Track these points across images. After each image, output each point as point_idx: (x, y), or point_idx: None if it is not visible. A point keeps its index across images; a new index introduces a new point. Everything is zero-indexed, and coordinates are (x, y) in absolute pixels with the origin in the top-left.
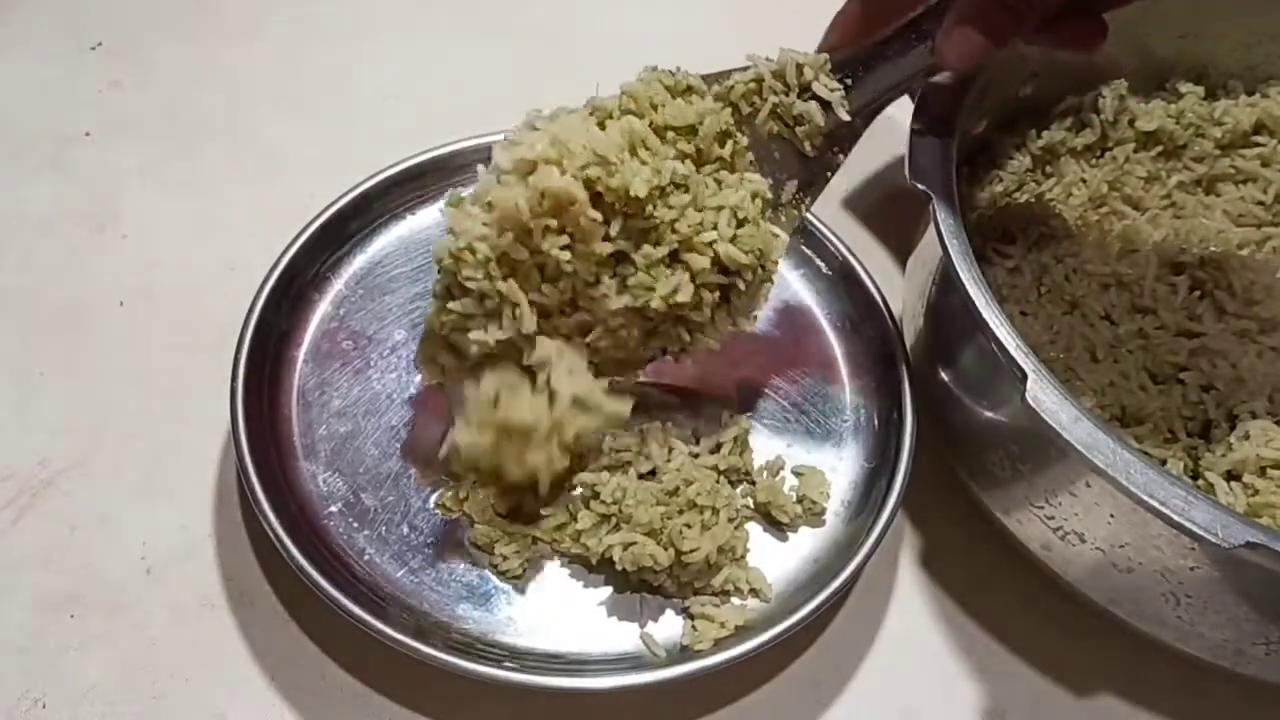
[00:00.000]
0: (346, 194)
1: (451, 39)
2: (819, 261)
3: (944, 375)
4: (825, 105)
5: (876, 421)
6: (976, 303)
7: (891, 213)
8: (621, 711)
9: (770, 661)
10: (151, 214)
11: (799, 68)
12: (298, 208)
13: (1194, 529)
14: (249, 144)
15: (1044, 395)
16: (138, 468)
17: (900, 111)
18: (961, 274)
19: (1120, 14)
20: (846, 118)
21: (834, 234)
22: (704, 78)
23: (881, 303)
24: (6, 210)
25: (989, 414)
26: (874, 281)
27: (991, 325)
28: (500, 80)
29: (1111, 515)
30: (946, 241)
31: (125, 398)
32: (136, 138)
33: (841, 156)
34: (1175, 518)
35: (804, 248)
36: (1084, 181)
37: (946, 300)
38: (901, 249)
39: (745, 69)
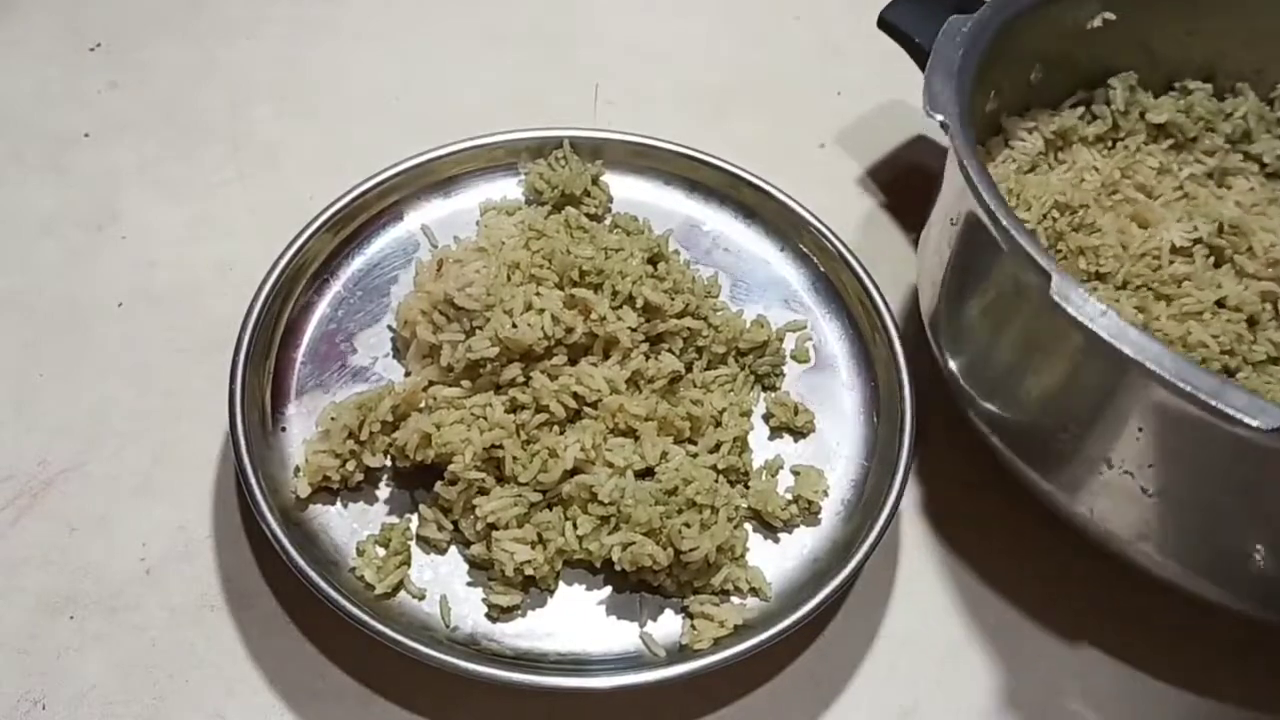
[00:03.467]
0: (345, 195)
1: (450, 40)
2: (816, 259)
3: (972, 323)
4: None
5: (876, 421)
6: (996, 212)
7: (905, 193)
8: (621, 711)
9: (770, 661)
10: (150, 214)
11: None
12: (296, 208)
13: (1231, 411)
14: (248, 145)
15: (1071, 292)
16: (137, 469)
17: (912, 95)
18: (981, 190)
19: (1124, 10)
20: None
21: (831, 231)
22: None
23: (882, 302)
24: (6, 211)
25: (1018, 344)
26: (873, 281)
27: (1013, 231)
28: (499, 81)
29: (1140, 429)
30: (965, 163)
31: (124, 398)
32: (135, 138)
33: None
34: (1211, 401)
35: (801, 245)
36: (1095, 169)
37: (966, 235)
38: (914, 227)
39: None
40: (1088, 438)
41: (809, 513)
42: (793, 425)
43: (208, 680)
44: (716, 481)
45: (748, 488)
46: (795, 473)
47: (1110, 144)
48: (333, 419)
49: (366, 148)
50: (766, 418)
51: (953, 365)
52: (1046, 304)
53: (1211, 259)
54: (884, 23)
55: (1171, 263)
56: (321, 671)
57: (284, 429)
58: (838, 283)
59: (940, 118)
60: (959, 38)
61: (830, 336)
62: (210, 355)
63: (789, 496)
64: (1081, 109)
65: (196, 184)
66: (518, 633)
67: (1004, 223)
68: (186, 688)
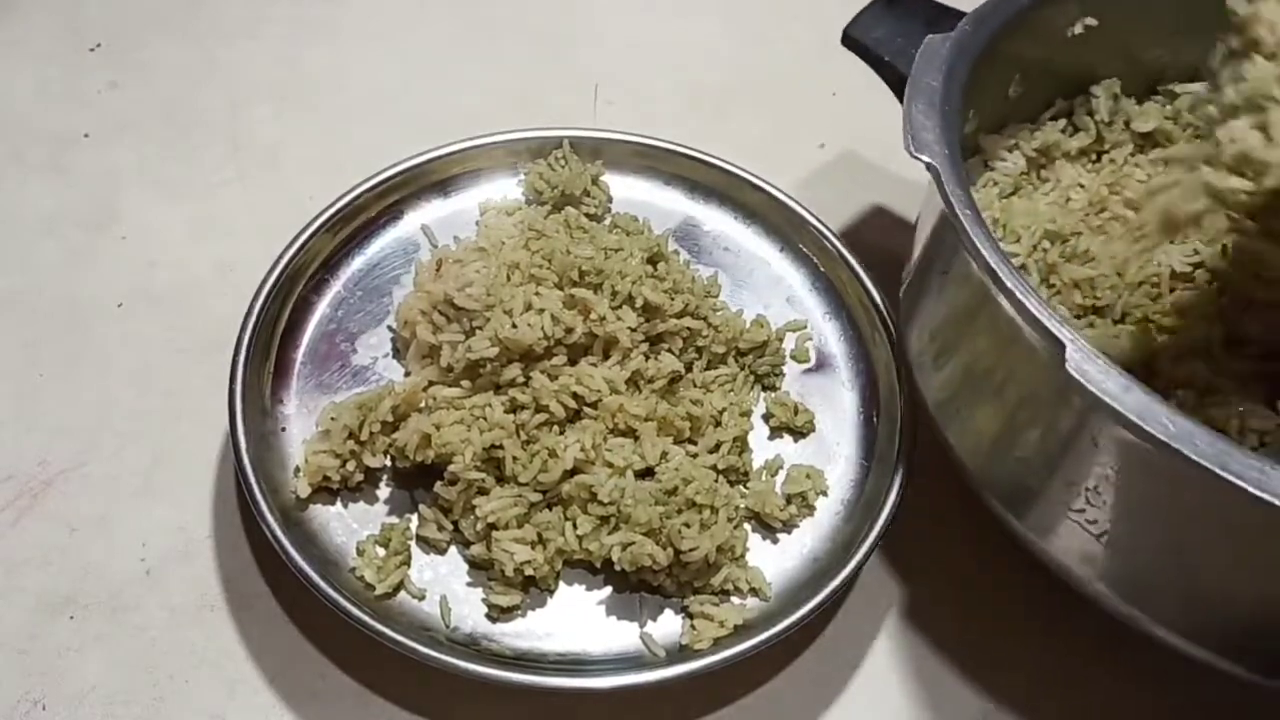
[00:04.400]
0: (345, 195)
1: (450, 40)
2: (815, 259)
3: (957, 380)
4: None
5: (876, 421)
6: (1000, 274)
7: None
8: (621, 711)
9: (769, 661)
10: (150, 215)
11: None
12: (296, 209)
13: (1275, 501)
14: (247, 145)
15: (1088, 365)
16: (137, 469)
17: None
18: (980, 246)
19: (1107, 15)
20: None
21: (831, 230)
22: None
23: (881, 302)
24: (6, 211)
25: (1019, 410)
26: (873, 281)
27: (1019, 294)
28: (499, 81)
29: (1167, 500)
30: (959, 212)
31: (124, 399)
32: (135, 138)
33: None
34: (1253, 490)
35: (801, 246)
36: (1082, 186)
37: (958, 290)
38: (912, 226)
39: None
40: (1102, 519)
41: (805, 505)
42: (792, 425)
43: (208, 680)
44: (716, 481)
45: (748, 488)
46: (795, 472)
47: (1095, 157)
48: (333, 419)
49: (366, 148)
50: (766, 417)
51: (948, 407)
52: (1062, 378)
53: (1215, 285)
54: (849, 40)
55: (1172, 290)
56: (321, 671)
57: (284, 429)
58: (837, 283)
59: (926, 159)
60: (938, 60)
61: (830, 336)
62: (210, 355)
63: (788, 496)
64: (1063, 121)
65: (196, 184)
66: (518, 633)
67: (1009, 285)
68: (186, 688)
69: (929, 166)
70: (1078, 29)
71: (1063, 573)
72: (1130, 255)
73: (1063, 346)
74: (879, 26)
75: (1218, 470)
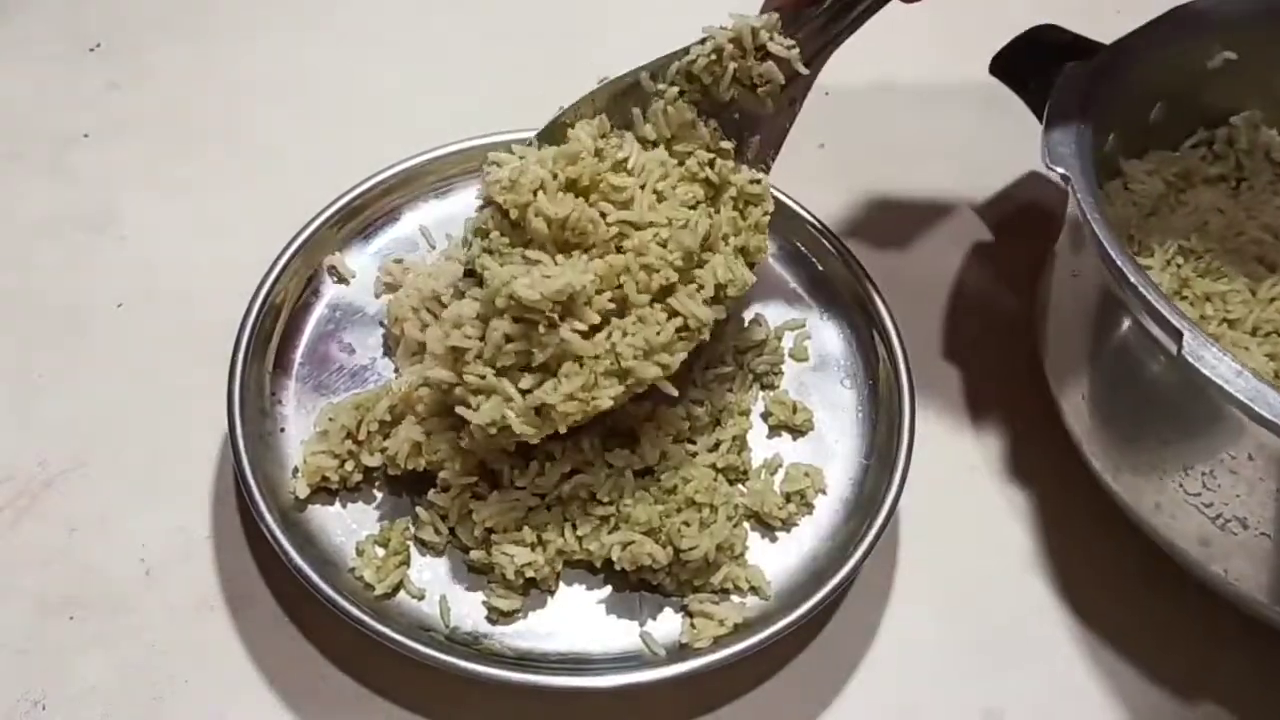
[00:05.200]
0: (344, 195)
1: (452, 40)
2: (814, 259)
3: (1083, 368)
4: (781, 62)
5: (875, 419)
6: (1124, 269)
7: (905, 192)
8: (621, 710)
9: (769, 659)
10: (150, 215)
11: (753, 31)
12: (296, 209)
13: None
14: (248, 145)
15: (1204, 352)
16: (137, 470)
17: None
18: (1106, 244)
19: (1246, 50)
20: (804, 71)
21: (830, 230)
22: (666, 57)
23: (880, 301)
24: (5, 212)
25: (1138, 395)
26: (871, 280)
27: (1141, 287)
28: (499, 81)
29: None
30: (1089, 216)
31: (124, 400)
32: (135, 139)
33: (798, 104)
34: None
35: (800, 245)
36: (1220, 211)
37: (1086, 285)
38: (911, 226)
39: (703, 41)
40: (1220, 497)
41: (803, 502)
42: (791, 424)
43: (208, 680)
44: (715, 480)
45: (746, 486)
46: (794, 471)
47: (1234, 184)
48: (330, 419)
49: (366, 148)
50: (765, 416)
51: (1074, 421)
52: (1179, 364)
53: None
54: (996, 69)
55: None
56: (321, 672)
57: (283, 429)
58: (837, 281)
59: (1061, 171)
60: (1078, 85)
61: (829, 335)
62: (210, 355)
63: (787, 495)
64: (1203, 149)
65: (196, 185)
66: (518, 632)
67: (1132, 280)
68: (186, 688)
69: (1063, 177)
70: (1217, 62)
71: (1177, 554)
72: (1263, 273)
73: (1180, 335)
74: (1025, 55)
75: None
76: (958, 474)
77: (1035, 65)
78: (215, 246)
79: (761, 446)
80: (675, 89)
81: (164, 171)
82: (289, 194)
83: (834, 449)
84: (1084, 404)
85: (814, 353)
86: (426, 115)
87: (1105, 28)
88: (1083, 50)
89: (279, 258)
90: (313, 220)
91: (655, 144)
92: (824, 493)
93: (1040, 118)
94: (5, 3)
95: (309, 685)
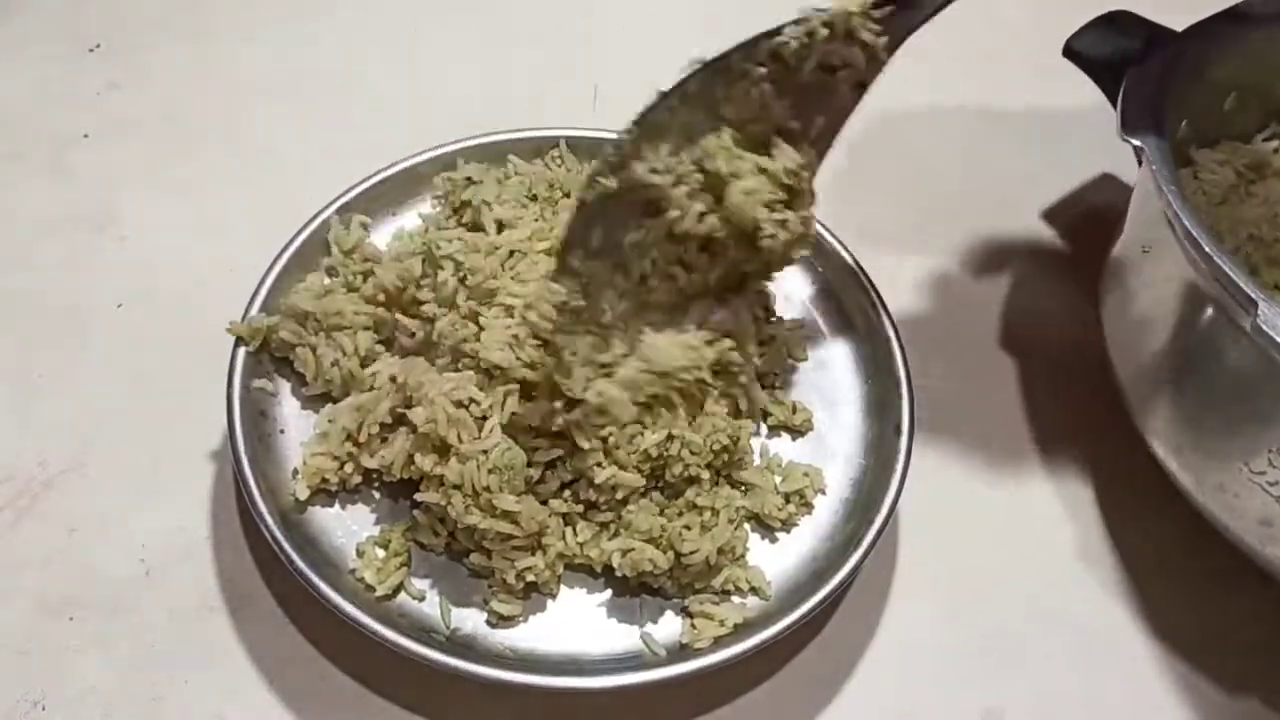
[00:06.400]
0: (344, 195)
1: (451, 41)
2: (813, 259)
3: (1150, 346)
4: (867, 48)
5: (874, 419)
6: (1199, 239)
7: (904, 191)
8: (621, 711)
9: (769, 659)
10: (150, 215)
11: (848, 15)
12: (296, 209)
13: None
14: (248, 145)
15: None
16: (136, 470)
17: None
18: (1182, 215)
19: None
20: (886, 58)
21: (829, 230)
22: (755, 37)
23: (879, 301)
24: (6, 211)
25: (1209, 371)
26: (870, 280)
27: (1216, 258)
28: (500, 82)
29: None
30: (1163, 187)
31: (124, 400)
32: (135, 139)
33: (866, 90)
34: None
35: None
36: None
37: (1156, 260)
38: (909, 225)
39: (797, 22)
40: None
41: (803, 503)
42: (791, 424)
43: (208, 680)
44: (716, 483)
45: (746, 488)
46: (793, 471)
47: None
48: (330, 421)
49: (366, 148)
50: (765, 416)
51: (1137, 402)
52: (1253, 333)
53: None
54: (1070, 51)
55: None
56: (321, 672)
57: (283, 431)
58: (836, 281)
59: (1135, 142)
60: (1153, 71)
61: (828, 335)
62: (210, 355)
63: (786, 495)
64: (1276, 143)
65: (196, 185)
66: (518, 634)
67: (1207, 249)
68: (186, 688)
69: (1136, 149)
70: None
71: (1232, 535)
72: None
73: (1255, 303)
74: (1099, 41)
75: None
76: (957, 474)
77: (1109, 50)
78: (215, 246)
79: (761, 446)
80: (762, 69)
81: (164, 171)
82: (289, 194)
83: (833, 449)
84: (1149, 384)
85: (813, 353)
86: (426, 115)
87: (1175, 19)
88: (1157, 37)
89: (278, 258)
90: (312, 220)
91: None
92: (823, 493)
93: (1113, 102)
94: (5, 3)
95: (309, 685)
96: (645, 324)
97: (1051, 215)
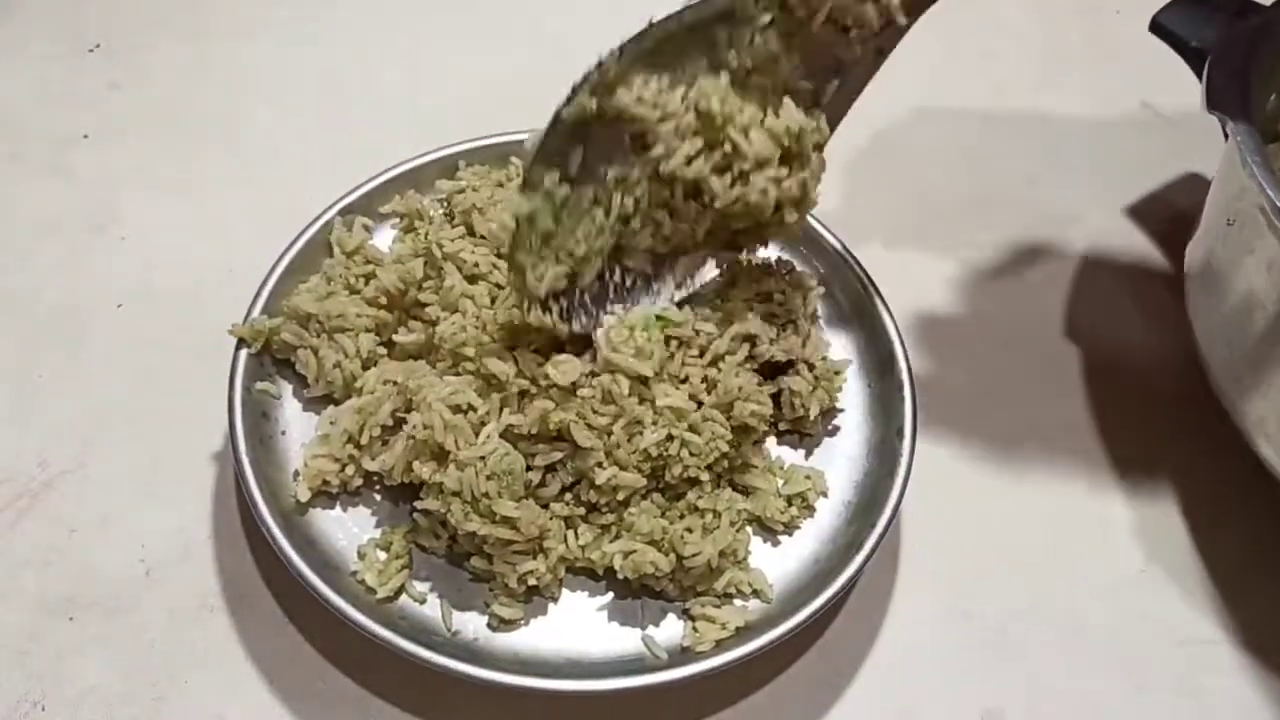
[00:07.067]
0: (345, 195)
1: (451, 41)
2: (814, 259)
3: (1238, 323)
4: (881, 8)
5: (876, 422)
6: None
7: (904, 191)
8: (622, 714)
9: (771, 662)
10: (150, 215)
11: None
12: (296, 209)
13: None
14: (247, 145)
15: None
16: (136, 470)
17: (900, 85)
18: (1266, 187)
19: None
20: (903, 22)
21: (829, 230)
22: None
23: (880, 301)
24: (6, 211)
25: None
26: (870, 280)
27: None
28: (500, 82)
29: None
30: (1248, 159)
31: (124, 400)
32: (135, 139)
33: (885, 57)
34: None
35: (801, 248)
36: None
37: (1240, 231)
38: (909, 225)
39: None
40: None
41: (804, 505)
42: (792, 426)
43: (208, 681)
44: (718, 485)
45: (748, 491)
46: (795, 474)
47: None
48: (331, 423)
49: (366, 148)
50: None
51: (1225, 383)
52: None
53: None
54: (1157, 26)
55: None
56: (321, 673)
57: (284, 432)
58: (837, 282)
59: (1220, 114)
60: (1241, 43)
61: (830, 337)
62: (210, 356)
63: (788, 498)
64: None
65: (196, 185)
66: (519, 637)
67: None
68: (186, 688)
69: (1221, 120)
70: None
71: None
72: None
73: None
74: (1187, 15)
75: None
76: (959, 477)
77: (1199, 22)
78: (215, 246)
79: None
80: (768, 16)
81: (164, 171)
82: (289, 194)
83: (835, 451)
84: (1238, 361)
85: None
86: (426, 115)
87: None
88: (1246, 9)
89: (279, 258)
90: (312, 221)
91: (730, 72)
92: (825, 495)
93: (1200, 76)
94: (5, 3)
95: (309, 686)
96: (622, 266)
97: (1052, 215)
